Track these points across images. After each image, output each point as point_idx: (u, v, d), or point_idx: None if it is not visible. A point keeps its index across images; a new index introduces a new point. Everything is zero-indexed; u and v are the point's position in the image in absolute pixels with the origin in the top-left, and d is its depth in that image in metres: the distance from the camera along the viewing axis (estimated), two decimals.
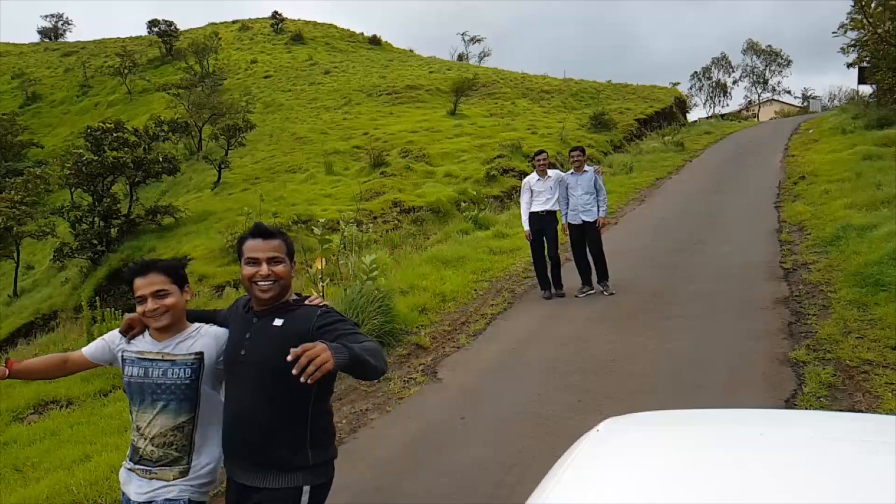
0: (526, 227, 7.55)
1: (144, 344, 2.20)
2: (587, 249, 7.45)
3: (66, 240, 17.59)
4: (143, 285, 2.11)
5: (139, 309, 2.12)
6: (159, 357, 2.15)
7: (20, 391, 6.25)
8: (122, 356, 2.21)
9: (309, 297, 2.23)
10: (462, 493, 3.49)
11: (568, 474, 1.41)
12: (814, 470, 1.29)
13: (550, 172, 7.57)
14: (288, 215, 14.70)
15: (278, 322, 2.08)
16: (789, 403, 4.22)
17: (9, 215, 16.63)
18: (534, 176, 7.63)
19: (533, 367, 5.38)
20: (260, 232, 2.13)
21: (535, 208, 7.51)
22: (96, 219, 17.40)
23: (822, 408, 4.07)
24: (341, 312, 2.15)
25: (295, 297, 2.20)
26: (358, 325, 2.17)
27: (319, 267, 6.24)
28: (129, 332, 2.22)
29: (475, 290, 8.08)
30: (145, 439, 2.13)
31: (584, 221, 7.42)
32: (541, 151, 7.84)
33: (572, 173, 7.54)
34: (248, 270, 2.10)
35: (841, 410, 3.95)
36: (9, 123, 31.98)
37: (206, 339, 2.19)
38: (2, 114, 33.94)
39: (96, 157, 17.28)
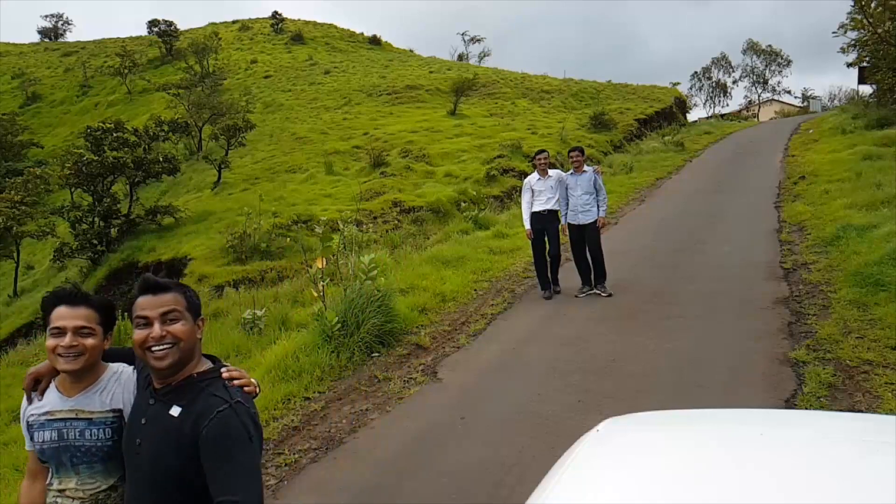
0: (527, 225, 7.57)
1: (52, 401, 1.82)
2: (586, 249, 7.47)
3: (66, 240, 17.58)
4: (67, 316, 1.76)
5: (51, 343, 1.76)
6: (73, 415, 1.80)
7: (20, 391, 6.25)
8: (28, 422, 1.85)
9: (224, 366, 1.78)
10: (462, 493, 3.49)
11: (568, 474, 1.41)
12: (814, 470, 1.29)
13: (551, 172, 7.60)
14: (288, 215, 14.71)
15: (175, 411, 1.66)
16: (789, 403, 4.22)
17: (9, 215, 16.63)
18: (535, 175, 7.66)
19: (533, 367, 5.38)
20: (148, 286, 1.69)
21: (537, 208, 7.54)
22: (96, 219, 17.39)
23: (822, 408, 4.07)
24: (251, 416, 1.68)
25: (208, 363, 1.78)
26: (253, 441, 1.65)
27: (320, 266, 6.25)
28: (38, 387, 1.87)
29: (475, 290, 8.08)
30: (71, 499, 1.81)
31: (582, 223, 7.43)
32: (541, 151, 7.87)
33: (572, 174, 7.56)
34: (138, 335, 1.66)
35: (841, 410, 3.95)
36: (9, 123, 31.95)
37: (123, 392, 1.84)
38: (2, 114, 33.92)
39: (96, 157, 17.26)
